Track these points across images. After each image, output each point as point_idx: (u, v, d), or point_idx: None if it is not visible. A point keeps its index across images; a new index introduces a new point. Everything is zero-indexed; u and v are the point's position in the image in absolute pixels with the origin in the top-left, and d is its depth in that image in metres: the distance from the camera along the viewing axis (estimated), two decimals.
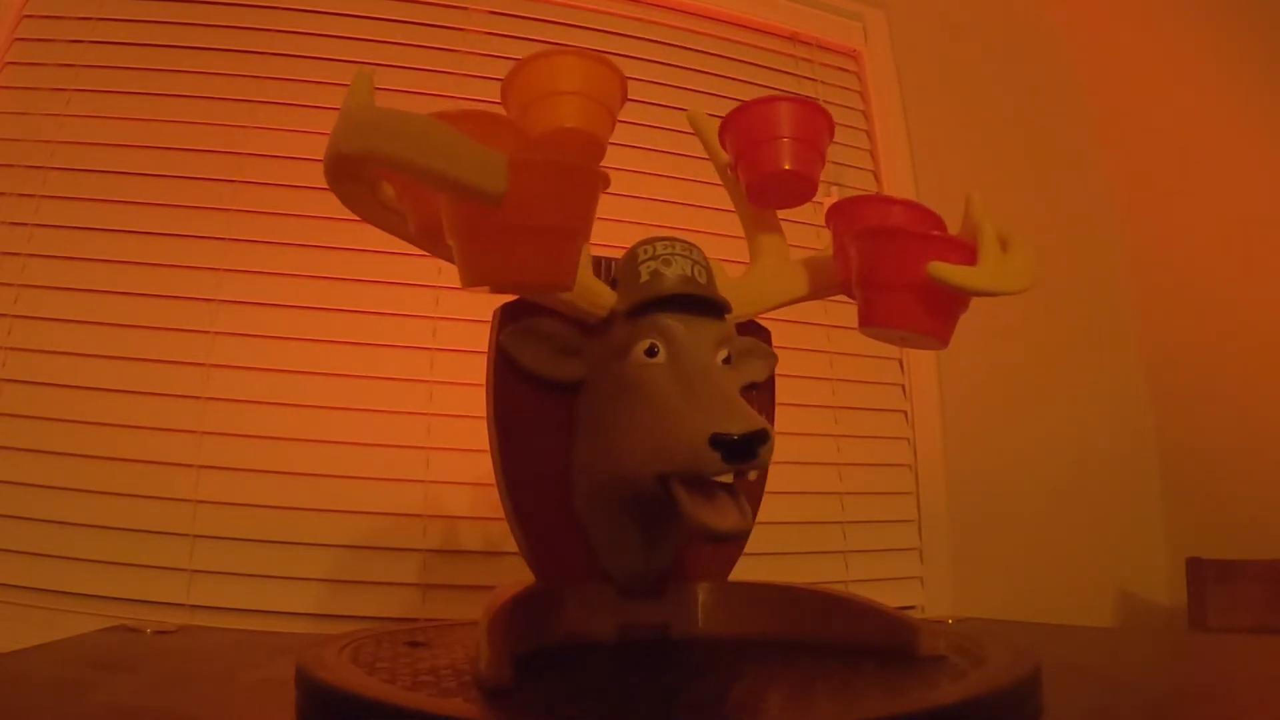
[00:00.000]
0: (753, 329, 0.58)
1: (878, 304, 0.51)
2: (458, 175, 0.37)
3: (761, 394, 0.56)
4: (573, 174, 0.43)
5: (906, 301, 0.50)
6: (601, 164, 0.55)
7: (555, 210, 0.42)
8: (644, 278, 0.49)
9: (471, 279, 0.43)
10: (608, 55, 0.54)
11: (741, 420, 0.40)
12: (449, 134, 0.38)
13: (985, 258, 0.47)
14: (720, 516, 0.41)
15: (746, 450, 0.39)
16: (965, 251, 0.48)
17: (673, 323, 0.47)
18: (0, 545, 0.86)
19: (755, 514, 0.54)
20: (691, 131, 0.64)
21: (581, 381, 0.51)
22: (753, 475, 0.42)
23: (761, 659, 0.44)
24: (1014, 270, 0.48)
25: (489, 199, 0.38)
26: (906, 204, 0.55)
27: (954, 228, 0.53)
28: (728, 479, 0.41)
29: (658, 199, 1.16)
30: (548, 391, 0.52)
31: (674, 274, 0.48)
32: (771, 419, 0.56)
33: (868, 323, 0.52)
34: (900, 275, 0.48)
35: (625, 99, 0.57)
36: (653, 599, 0.50)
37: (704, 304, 0.47)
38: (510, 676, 0.35)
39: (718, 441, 0.39)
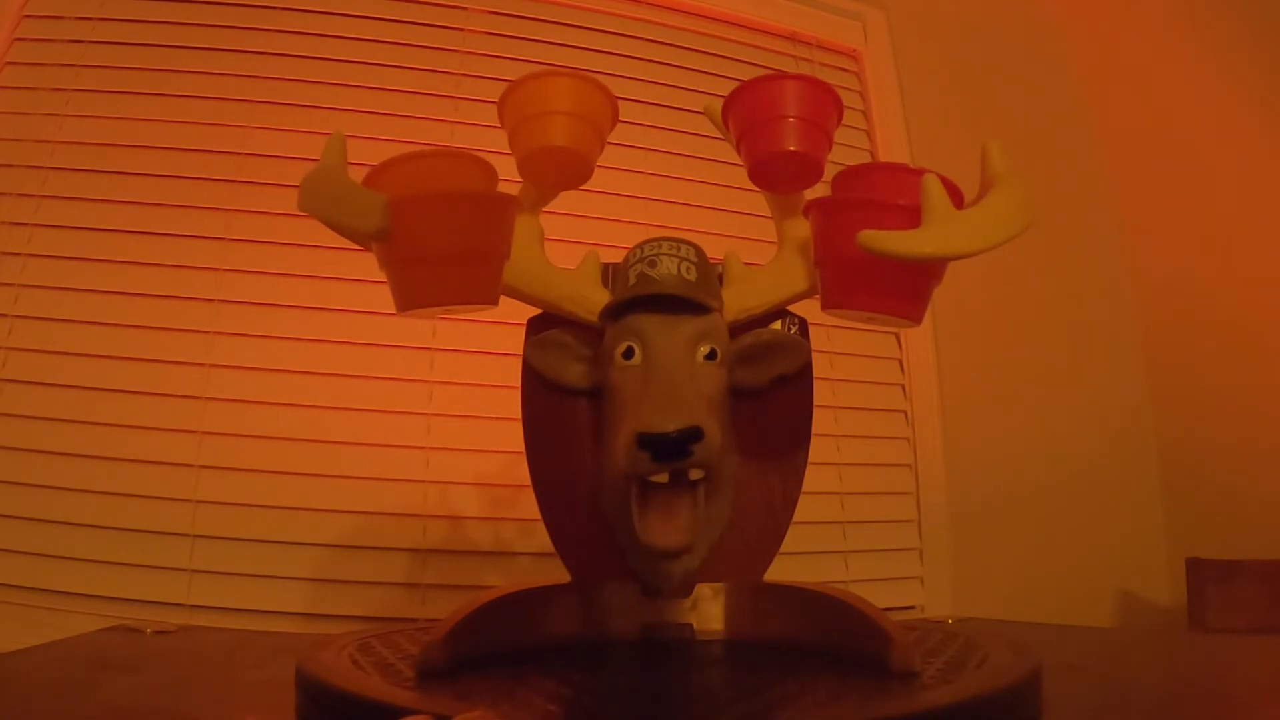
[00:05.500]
0: (787, 318, 0.56)
1: (832, 283, 0.48)
2: (343, 221, 0.45)
3: (792, 387, 0.53)
4: (459, 203, 0.46)
5: (861, 278, 0.46)
6: (597, 166, 0.55)
7: (455, 237, 0.46)
8: (631, 280, 0.49)
9: (401, 305, 0.47)
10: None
11: (669, 418, 0.39)
12: (339, 185, 0.45)
13: (930, 218, 0.42)
14: (663, 533, 0.40)
15: (678, 449, 0.39)
16: (910, 215, 0.43)
17: (645, 323, 0.47)
18: (0, 545, 0.86)
19: (791, 513, 0.53)
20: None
21: (599, 387, 0.51)
22: (694, 474, 0.41)
23: (773, 661, 0.44)
24: (965, 230, 0.42)
25: (372, 236, 0.45)
26: (874, 169, 0.52)
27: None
28: (662, 478, 0.41)
29: (658, 199, 1.16)
30: (574, 398, 0.53)
31: (660, 274, 0.48)
32: (807, 412, 0.54)
33: (826, 305, 0.49)
34: (845, 250, 0.44)
35: (616, 120, 0.57)
36: (678, 599, 0.49)
37: (679, 302, 0.47)
38: (442, 663, 0.38)
39: (645, 440, 0.39)
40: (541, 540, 0.53)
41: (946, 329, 1.27)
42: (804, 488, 0.54)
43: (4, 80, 0.99)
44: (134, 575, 0.87)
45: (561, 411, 0.53)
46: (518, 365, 0.54)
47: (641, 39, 1.24)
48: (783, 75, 0.54)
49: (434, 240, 0.46)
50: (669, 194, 1.17)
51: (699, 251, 0.51)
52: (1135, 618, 1.28)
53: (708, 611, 0.50)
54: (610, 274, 0.54)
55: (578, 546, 0.52)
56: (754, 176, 0.54)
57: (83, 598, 0.85)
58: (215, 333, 0.96)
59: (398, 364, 1.00)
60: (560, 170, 0.54)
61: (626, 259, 0.51)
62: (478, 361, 1.01)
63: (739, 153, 0.55)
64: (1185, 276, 1.38)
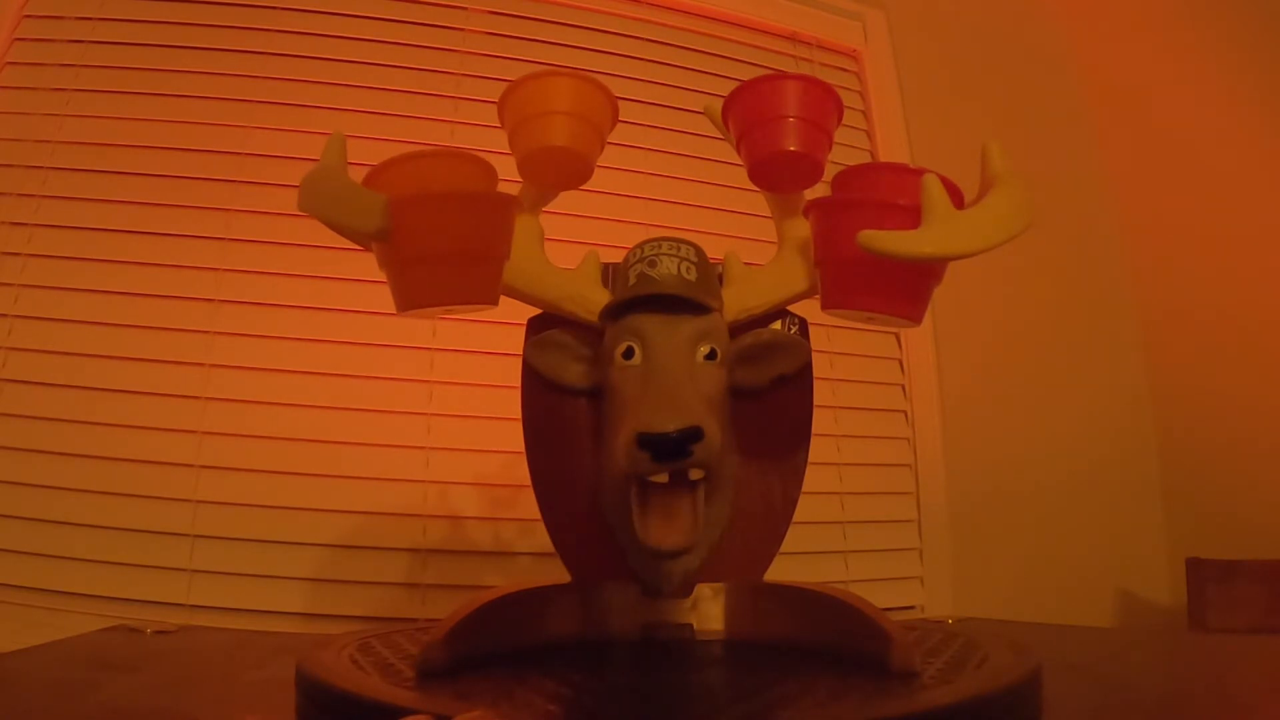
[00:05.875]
0: (786, 319, 0.56)
1: (832, 283, 0.48)
2: (343, 221, 0.45)
3: (792, 387, 0.53)
4: (459, 203, 0.46)
5: (860, 278, 0.46)
6: (598, 166, 0.55)
7: (455, 237, 0.46)
8: (631, 280, 0.49)
9: (401, 305, 0.47)
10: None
11: (669, 418, 0.39)
12: (339, 186, 0.46)
13: (930, 218, 0.42)
14: (663, 534, 0.41)
15: (678, 449, 0.39)
16: (909, 215, 0.43)
17: (645, 323, 0.47)
18: (0, 545, 0.85)
19: (791, 513, 0.53)
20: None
21: (599, 387, 0.51)
22: (694, 474, 0.41)
23: (773, 661, 0.44)
24: (965, 230, 0.42)
25: (372, 236, 0.45)
26: (874, 169, 0.52)
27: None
28: (662, 478, 0.41)
29: (658, 199, 1.16)
30: (574, 398, 0.53)
31: (660, 274, 0.48)
32: (807, 412, 0.54)
33: (826, 305, 0.49)
34: (845, 250, 0.44)
35: (616, 120, 0.57)
36: (678, 599, 0.49)
37: (679, 302, 0.47)
38: (442, 663, 0.38)
39: (645, 440, 0.39)
40: (541, 540, 0.53)
41: (946, 329, 1.27)
42: (804, 488, 0.54)
43: (4, 80, 0.99)
44: (134, 575, 0.87)
45: (561, 411, 0.53)
46: (518, 365, 0.54)
47: (641, 39, 1.24)
48: (782, 75, 0.54)
49: (434, 240, 0.46)
50: (669, 194, 1.17)
51: (699, 251, 0.51)
52: (1135, 618, 1.28)
53: (708, 611, 0.50)
54: (610, 274, 0.54)
55: (578, 546, 0.52)
56: (754, 176, 0.54)
57: (83, 598, 0.85)
58: (215, 333, 0.96)
59: (398, 364, 1.00)
60: (560, 170, 0.54)
61: (626, 259, 0.51)
62: (478, 361, 1.01)
63: (739, 153, 0.55)
64: (1185, 277, 1.38)
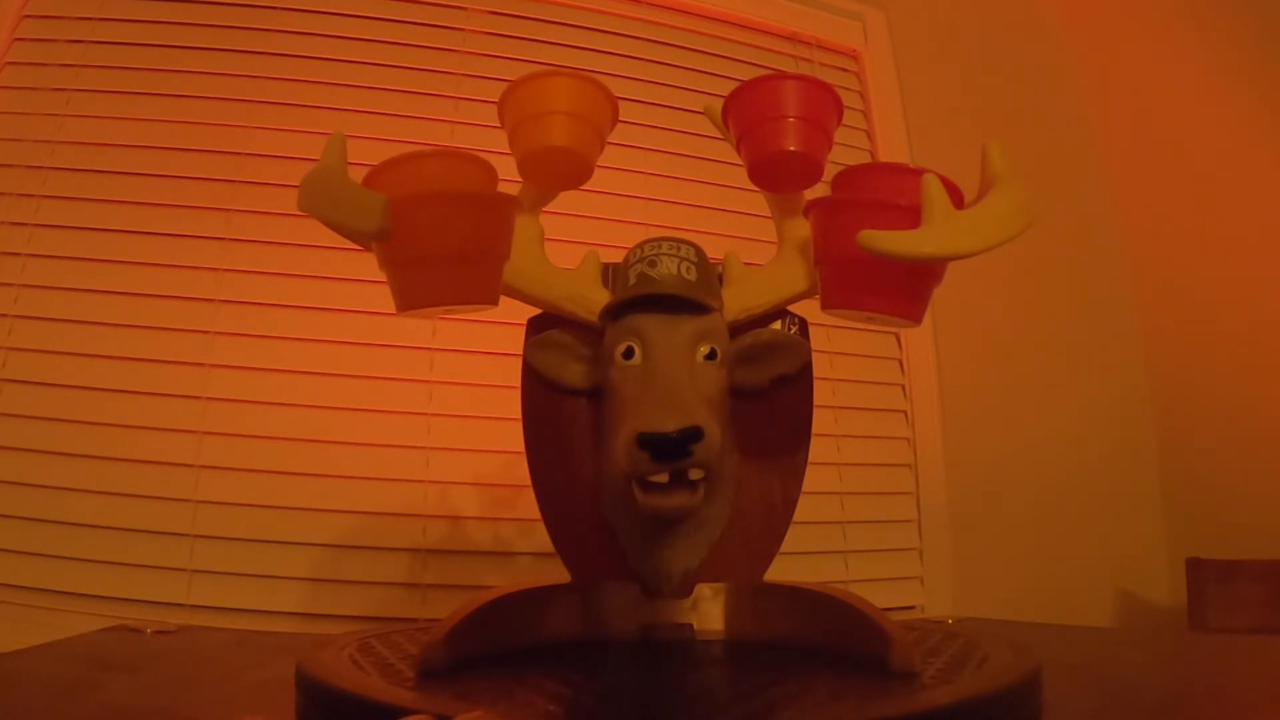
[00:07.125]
0: (786, 319, 0.56)
1: (832, 283, 0.48)
2: (343, 221, 0.45)
3: (792, 387, 0.53)
4: (459, 203, 0.46)
5: (860, 278, 0.46)
6: (598, 166, 0.55)
7: (455, 237, 0.46)
8: (631, 280, 0.49)
9: (401, 305, 0.48)
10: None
11: (669, 418, 0.39)
12: (339, 186, 0.45)
13: (930, 218, 0.42)
14: (666, 497, 0.41)
15: (678, 449, 0.39)
16: (909, 215, 0.43)
17: (645, 323, 0.47)
18: (0, 545, 0.85)
19: (791, 513, 0.53)
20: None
21: (599, 387, 0.51)
22: (694, 474, 0.41)
23: (773, 661, 0.43)
24: (965, 230, 0.42)
25: (372, 236, 0.45)
26: (874, 169, 0.52)
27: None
28: (662, 478, 0.41)
29: (658, 199, 1.16)
30: (574, 398, 0.53)
31: (660, 274, 0.48)
32: (807, 412, 0.54)
33: (826, 305, 0.49)
34: (845, 250, 0.44)
35: (616, 120, 0.57)
36: (678, 600, 0.50)
37: (679, 302, 0.47)
38: (442, 663, 0.38)
39: (645, 440, 0.39)
40: (541, 540, 0.53)
41: (946, 329, 1.27)
42: (804, 488, 0.54)
43: (4, 80, 0.99)
44: (134, 575, 0.87)
45: (561, 411, 0.54)
46: (518, 365, 0.54)
47: (641, 39, 1.24)
48: (782, 75, 0.54)
49: (434, 240, 0.46)
50: (669, 194, 1.17)
51: (699, 251, 0.51)
52: (1135, 618, 1.28)
53: (708, 611, 0.50)
54: (610, 274, 0.54)
55: (578, 547, 0.52)
56: (754, 176, 0.54)
57: (83, 598, 0.85)
58: (215, 333, 0.96)
59: (398, 364, 1.00)
60: (560, 170, 0.54)
61: (626, 259, 0.51)
62: (478, 361, 1.01)
63: (739, 153, 0.55)
64: (1185, 276, 1.38)
